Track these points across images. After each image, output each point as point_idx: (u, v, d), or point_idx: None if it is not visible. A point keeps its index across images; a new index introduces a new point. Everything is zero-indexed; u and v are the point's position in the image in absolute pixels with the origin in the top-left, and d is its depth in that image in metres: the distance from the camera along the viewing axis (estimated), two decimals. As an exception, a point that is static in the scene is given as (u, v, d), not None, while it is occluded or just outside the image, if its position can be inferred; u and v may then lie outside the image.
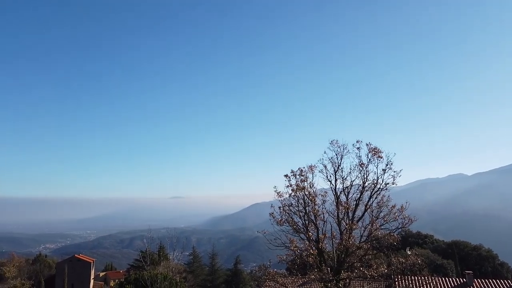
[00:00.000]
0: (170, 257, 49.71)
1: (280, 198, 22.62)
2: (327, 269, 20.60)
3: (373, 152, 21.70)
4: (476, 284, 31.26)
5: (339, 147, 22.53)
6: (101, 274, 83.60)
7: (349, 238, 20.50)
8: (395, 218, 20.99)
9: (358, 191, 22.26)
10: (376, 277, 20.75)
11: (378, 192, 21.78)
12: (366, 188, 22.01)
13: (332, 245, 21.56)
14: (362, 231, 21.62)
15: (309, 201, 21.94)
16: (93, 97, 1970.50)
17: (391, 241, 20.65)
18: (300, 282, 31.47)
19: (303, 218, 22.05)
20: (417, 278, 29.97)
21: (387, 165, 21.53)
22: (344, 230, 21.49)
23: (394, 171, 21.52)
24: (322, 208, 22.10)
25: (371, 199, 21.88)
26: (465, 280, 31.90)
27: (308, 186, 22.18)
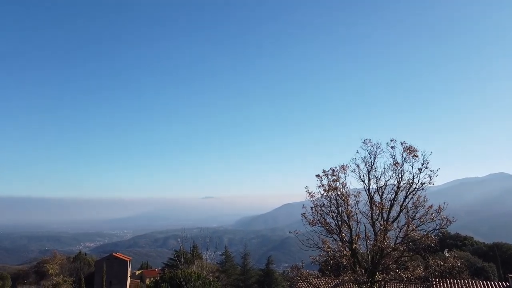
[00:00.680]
0: (203, 257, 50.55)
1: (311, 198, 22.51)
2: (361, 271, 20.24)
3: (408, 151, 21.15)
4: (520, 289, 29.65)
5: (372, 146, 22.18)
6: (137, 272, 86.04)
7: (383, 239, 20.06)
8: (433, 219, 20.39)
9: (392, 191, 21.80)
10: (412, 280, 20.14)
11: (414, 192, 21.25)
12: (401, 188, 21.51)
13: (366, 246, 21.18)
14: (397, 232, 21.13)
15: (342, 201, 21.68)
16: (132, 99, 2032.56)
17: (428, 242, 20.04)
18: (334, 283, 31.12)
19: (335, 218, 21.81)
20: (457, 281, 28.83)
21: (423, 164, 20.97)
22: (378, 231, 21.07)
23: (431, 171, 20.95)
24: (355, 208, 21.81)
25: (407, 199, 21.36)
26: (508, 284, 30.29)
27: (341, 186, 21.95)
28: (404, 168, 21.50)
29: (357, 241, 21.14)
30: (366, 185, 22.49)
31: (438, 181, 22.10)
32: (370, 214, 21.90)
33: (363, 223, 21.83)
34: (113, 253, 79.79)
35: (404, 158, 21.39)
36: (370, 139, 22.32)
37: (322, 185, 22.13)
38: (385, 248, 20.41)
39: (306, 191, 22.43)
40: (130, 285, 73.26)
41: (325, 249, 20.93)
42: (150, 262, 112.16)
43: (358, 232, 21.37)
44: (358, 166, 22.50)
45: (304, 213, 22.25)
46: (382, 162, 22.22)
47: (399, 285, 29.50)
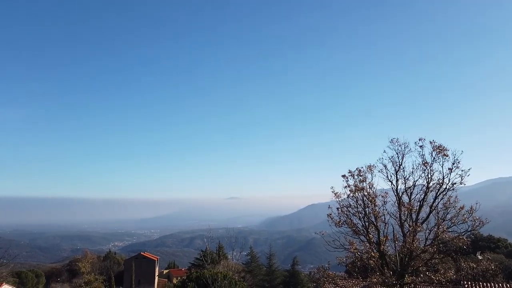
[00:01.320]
0: (229, 257, 50.94)
1: (337, 199, 22.27)
2: (390, 273, 19.87)
3: (438, 150, 20.57)
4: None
5: (400, 145, 21.72)
6: (165, 271, 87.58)
7: (413, 240, 19.62)
8: (464, 220, 19.76)
9: (422, 191, 21.26)
10: (443, 283, 19.62)
11: (444, 193, 20.64)
12: (431, 189, 20.95)
13: (395, 248, 20.75)
14: (427, 234, 20.61)
15: (369, 202, 21.35)
16: (160, 101, 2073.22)
17: (460, 244, 19.46)
18: (361, 285, 30.68)
19: (362, 219, 21.49)
20: (490, 285, 27.80)
21: (453, 163, 20.33)
22: (407, 232, 20.62)
23: (462, 170, 20.28)
24: (383, 209, 21.41)
25: (437, 200, 20.77)
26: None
27: (368, 186, 21.61)
28: (433, 168, 20.93)
29: (385, 243, 20.72)
30: (393, 185, 22.02)
31: (469, 181, 21.31)
32: (398, 215, 21.44)
33: (391, 224, 21.40)
34: (141, 253, 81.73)
35: (434, 158, 20.81)
36: (397, 139, 21.89)
37: (348, 186, 21.85)
38: (415, 250, 19.95)
39: (332, 192, 22.22)
40: (158, 284, 74.69)
41: (352, 250, 20.65)
42: (176, 262, 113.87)
43: (386, 234, 20.97)
44: (385, 166, 22.09)
45: (330, 214, 22.03)
46: (411, 161, 21.71)
47: (430, 288, 28.79)
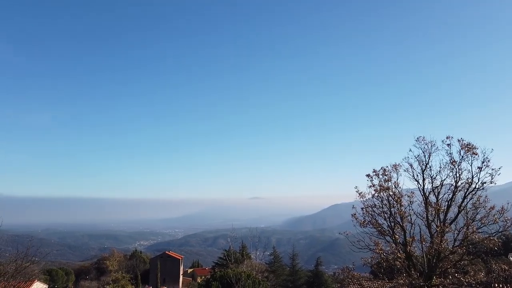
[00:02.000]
0: (252, 256, 51.05)
1: (362, 199, 21.93)
2: (417, 274, 19.43)
3: (467, 148, 19.91)
4: None
5: (426, 144, 21.14)
6: (189, 270, 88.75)
7: (441, 241, 19.10)
8: (495, 220, 19.09)
9: (449, 191, 20.63)
10: (473, 285, 18.98)
11: (473, 192, 19.95)
12: (459, 188, 20.29)
13: (422, 248, 20.24)
14: (455, 235, 19.99)
15: (394, 202, 20.91)
16: (181, 100, 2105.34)
17: (490, 245, 18.78)
18: (387, 286, 30.10)
19: (388, 219, 21.08)
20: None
21: (483, 162, 19.61)
22: (435, 233, 20.09)
23: (492, 169, 19.54)
24: (409, 209, 20.92)
25: (466, 199, 20.12)
26: None
27: (393, 186, 21.17)
28: (462, 167, 20.22)
29: (411, 243, 20.27)
30: (420, 185, 21.44)
31: (500, 180, 20.45)
32: (425, 215, 20.91)
33: (418, 224, 20.89)
34: (166, 252, 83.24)
35: (462, 156, 20.13)
36: (423, 137, 21.33)
37: (373, 185, 21.45)
38: (443, 251, 19.41)
39: (356, 192, 21.88)
40: (182, 283, 75.79)
41: (377, 251, 20.31)
42: (200, 261, 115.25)
43: (413, 234, 20.50)
44: (411, 165, 21.53)
45: (355, 214, 21.72)
46: (438, 160, 21.06)
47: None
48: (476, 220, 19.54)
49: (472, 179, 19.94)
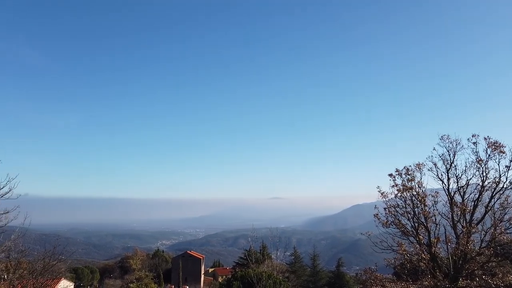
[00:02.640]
0: (273, 256, 50.95)
1: (384, 199, 21.53)
2: (442, 276, 18.96)
3: (493, 147, 19.28)
4: None
5: (451, 142, 20.60)
6: (210, 270, 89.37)
7: (467, 242, 18.55)
8: (524, 221, 18.40)
9: (476, 190, 20.02)
10: (502, 287, 18.39)
11: (501, 192, 19.31)
12: (486, 188, 19.67)
13: (447, 250, 19.73)
14: (482, 236, 19.37)
15: (418, 202, 20.45)
16: (204, 100, 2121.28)
17: (519, 247, 18.14)
18: (411, 288, 29.48)
19: (411, 220, 20.62)
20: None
21: (511, 161, 18.97)
22: (460, 233, 19.54)
23: (521, 168, 18.86)
24: (434, 209, 20.41)
25: (493, 199, 19.48)
26: None
27: (416, 185, 20.70)
28: (488, 166, 19.60)
29: (436, 244, 19.77)
30: (445, 184, 20.90)
31: (529, 180, 19.85)
32: (450, 215, 20.36)
33: (443, 225, 20.36)
34: (187, 251, 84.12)
35: (489, 155, 19.51)
36: (448, 135, 20.79)
37: (396, 185, 21.01)
38: (469, 252, 18.86)
39: (378, 191, 21.50)
40: (204, 282, 76.41)
41: (400, 252, 19.91)
42: (221, 261, 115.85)
43: (438, 235, 19.99)
44: (435, 164, 21.02)
45: (377, 214, 21.34)
46: (463, 159, 20.49)
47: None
48: (504, 221, 18.91)
49: (499, 178, 19.31)
